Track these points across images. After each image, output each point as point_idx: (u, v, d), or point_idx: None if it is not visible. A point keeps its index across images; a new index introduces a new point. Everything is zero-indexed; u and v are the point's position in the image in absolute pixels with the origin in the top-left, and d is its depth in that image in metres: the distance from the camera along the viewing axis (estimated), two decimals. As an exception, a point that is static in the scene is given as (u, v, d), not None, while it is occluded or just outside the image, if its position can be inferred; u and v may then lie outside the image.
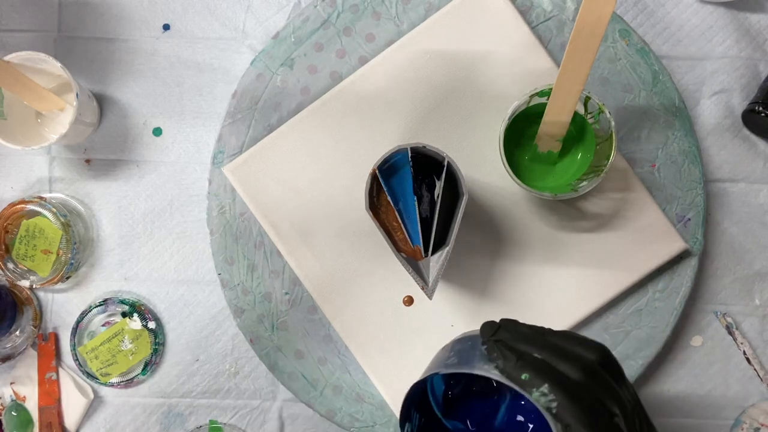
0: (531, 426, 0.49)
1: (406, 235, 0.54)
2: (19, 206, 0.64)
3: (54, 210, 0.64)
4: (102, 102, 0.67)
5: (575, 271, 0.62)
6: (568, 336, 0.40)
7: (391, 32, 0.64)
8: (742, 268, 0.66)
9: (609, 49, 0.63)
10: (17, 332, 0.66)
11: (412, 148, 0.53)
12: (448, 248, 0.52)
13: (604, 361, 0.39)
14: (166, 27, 0.67)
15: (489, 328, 0.41)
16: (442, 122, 0.63)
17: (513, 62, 0.62)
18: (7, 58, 0.58)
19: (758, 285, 0.66)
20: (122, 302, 0.66)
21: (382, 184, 0.53)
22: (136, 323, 0.66)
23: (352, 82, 0.63)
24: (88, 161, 0.67)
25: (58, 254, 0.65)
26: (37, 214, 0.64)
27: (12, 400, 0.67)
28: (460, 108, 0.63)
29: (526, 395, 0.37)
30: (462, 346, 0.43)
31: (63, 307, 0.67)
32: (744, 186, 0.65)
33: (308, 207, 0.63)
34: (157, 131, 0.67)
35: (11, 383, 0.67)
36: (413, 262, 0.54)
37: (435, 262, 0.53)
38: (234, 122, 0.64)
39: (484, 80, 0.62)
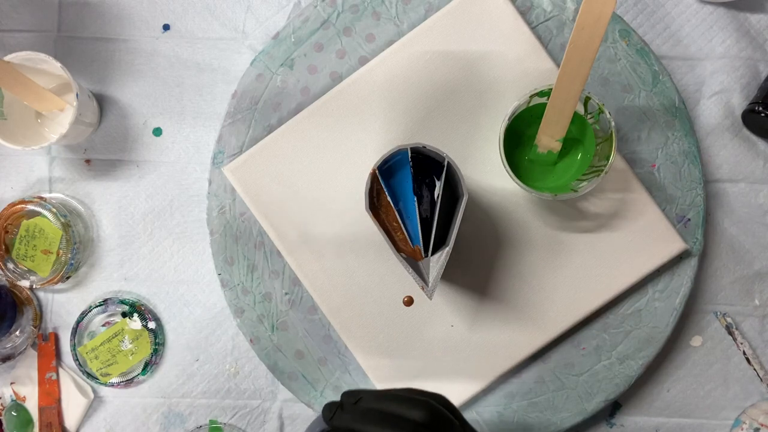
0: None
1: (406, 236, 0.54)
2: (19, 206, 0.64)
3: (54, 210, 0.64)
4: (102, 102, 0.67)
5: (575, 271, 0.62)
6: (399, 398, 0.43)
7: (391, 32, 0.64)
8: (742, 268, 0.66)
9: (609, 49, 0.63)
10: (17, 332, 0.66)
11: (412, 149, 0.53)
12: (448, 248, 0.52)
13: (431, 417, 0.42)
14: (166, 27, 0.67)
15: (327, 410, 0.45)
16: (442, 122, 0.63)
17: (513, 62, 0.62)
18: (7, 58, 0.58)
19: (758, 285, 0.66)
20: (122, 302, 0.66)
21: (382, 185, 0.53)
22: (136, 323, 0.66)
23: (352, 83, 0.63)
24: (88, 161, 0.67)
25: (58, 254, 0.65)
26: (37, 214, 0.65)
27: (12, 400, 0.67)
28: (460, 108, 0.63)
29: None
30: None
31: (63, 307, 0.67)
32: (744, 186, 0.65)
33: (308, 207, 0.63)
34: (157, 131, 0.67)
35: (11, 383, 0.67)
36: (413, 262, 0.54)
37: (435, 263, 0.53)
38: (234, 122, 0.64)
39: (484, 80, 0.62)
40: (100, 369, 0.66)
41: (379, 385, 0.63)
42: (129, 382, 0.66)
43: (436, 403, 0.43)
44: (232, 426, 0.67)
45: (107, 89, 0.67)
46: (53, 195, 0.67)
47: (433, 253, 0.54)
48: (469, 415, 0.64)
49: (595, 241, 0.62)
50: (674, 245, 0.62)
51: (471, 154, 0.63)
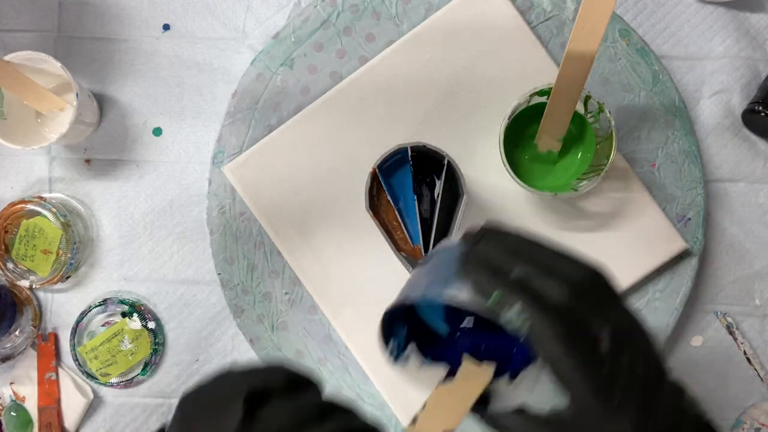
0: None
1: (406, 235, 0.54)
2: (19, 206, 0.64)
3: (54, 210, 0.64)
4: (102, 102, 0.67)
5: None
6: (559, 253, 0.36)
7: (391, 32, 0.64)
8: (742, 268, 0.65)
9: (609, 49, 0.63)
10: (17, 332, 0.65)
11: (412, 148, 0.53)
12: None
13: (598, 284, 0.35)
14: (166, 27, 0.67)
15: (470, 239, 0.38)
16: (442, 122, 0.63)
17: (513, 62, 0.62)
18: (7, 58, 0.58)
19: (758, 285, 0.65)
20: (122, 302, 0.66)
21: (382, 184, 0.53)
22: (136, 323, 0.66)
23: (352, 82, 0.63)
24: (88, 161, 0.67)
25: (57, 254, 0.65)
26: (37, 214, 0.64)
27: (12, 400, 0.67)
28: (460, 107, 0.63)
29: (494, 319, 0.34)
30: (438, 261, 0.39)
31: (63, 307, 0.67)
32: (744, 186, 0.65)
33: (308, 207, 0.63)
34: (157, 131, 0.67)
35: (11, 383, 0.67)
36: (413, 262, 0.54)
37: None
38: (234, 122, 0.64)
39: (484, 80, 0.62)
40: (100, 369, 0.66)
41: (379, 386, 0.63)
42: (129, 382, 0.66)
43: (599, 271, 0.36)
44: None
45: (107, 89, 0.67)
46: (53, 195, 0.67)
47: (433, 253, 0.54)
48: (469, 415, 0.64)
49: (595, 241, 0.62)
50: (674, 245, 0.62)
51: (471, 153, 0.62)
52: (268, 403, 0.32)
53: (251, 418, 0.31)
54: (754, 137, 0.65)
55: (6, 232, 0.65)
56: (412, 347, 0.42)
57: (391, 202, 0.54)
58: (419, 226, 0.53)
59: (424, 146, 0.53)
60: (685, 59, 0.66)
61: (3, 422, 0.66)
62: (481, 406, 0.39)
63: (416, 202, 0.53)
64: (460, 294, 0.35)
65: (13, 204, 0.65)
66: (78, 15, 0.67)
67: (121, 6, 0.67)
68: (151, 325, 0.66)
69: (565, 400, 0.34)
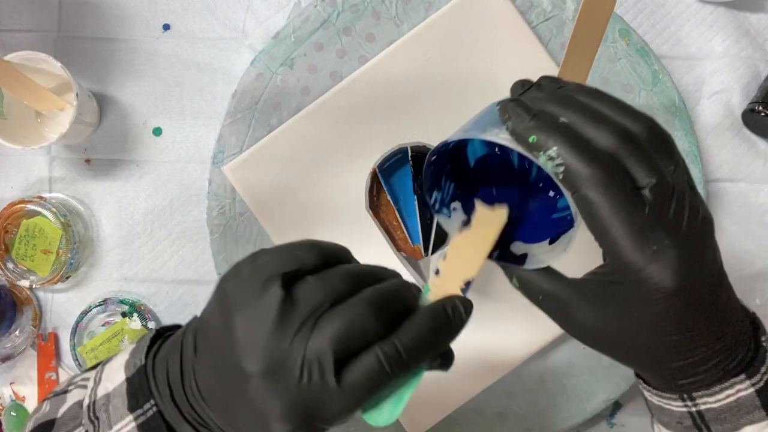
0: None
1: (406, 235, 0.54)
2: (19, 206, 0.64)
3: (54, 210, 0.64)
4: (102, 102, 0.67)
5: (577, 269, 0.62)
6: (614, 102, 0.33)
7: (391, 32, 0.64)
8: (742, 268, 0.65)
9: (609, 49, 0.63)
10: (17, 332, 0.65)
11: (412, 148, 0.53)
12: (448, 248, 0.52)
13: (653, 136, 0.32)
14: (166, 27, 0.67)
15: (519, 86, 0.37)
16: (442, 122, 0.63)
17: (513, 62, 0.62)
18: (7, 58, 0.58)
19: (758, 285, 0.65)
20: (122, 302, 0.66)
21: (383, 184, 0.53)
22: (136, 323, 0.66)
23: (352, 82, 0.63)
24: (88, 161, 0.67)
25: (57, 254, 0.65)
26: (37, 213, 0.64)
27: (12, 400, 0.67)
28: (460, 108, 0.63)
29: (533, 159, 0.33)
30: (487, 109, 0.39)
31: (63, 307, 0.67)
32: (744, 186, 0.65)
33: (308, 207, 0.63)
34: (157, 131, 0.67)
35: (11, 383, 0.67)
36: (413, 262, 0.54)
37: (435, 262, 0.53)
38: (234, 122, 0.64)
39: (484, 80, 0.62)
40: (100, 369, 0.66)
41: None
42: (129, 382, 0.66)
43: (658, 123, 0.33)
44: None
45: (107, 89, 0.67)
46: (53, 195, 0.67)
47: (433, 252, 0.54)
48: (469, 416, 0.64)
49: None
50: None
51: (471, 153, 0.62)
52: (303, 282, 0.32)
53: (291, 299, 0.31)
54: (754, 137, 0.65)
55: (6, 232, 0.65)
56: (457, 205, 0.43)
57: (391, 202, 0.54)
58: (419, 226, 0.53)
59: (424, 146, 0.53)
60: (685, 59, 0.66)
61: (3, 422, 0.66)
62: (517, 266, 0.40)
63: (416, 202, 0.53)
64: (497, 138, 0.34)
65: (13, 204, 0.65)
66: (78, 15, 0.67)
67: (121, 6, 0.67)
68: (151, 325, 0.66)
69: (599, 261, 0.33)
